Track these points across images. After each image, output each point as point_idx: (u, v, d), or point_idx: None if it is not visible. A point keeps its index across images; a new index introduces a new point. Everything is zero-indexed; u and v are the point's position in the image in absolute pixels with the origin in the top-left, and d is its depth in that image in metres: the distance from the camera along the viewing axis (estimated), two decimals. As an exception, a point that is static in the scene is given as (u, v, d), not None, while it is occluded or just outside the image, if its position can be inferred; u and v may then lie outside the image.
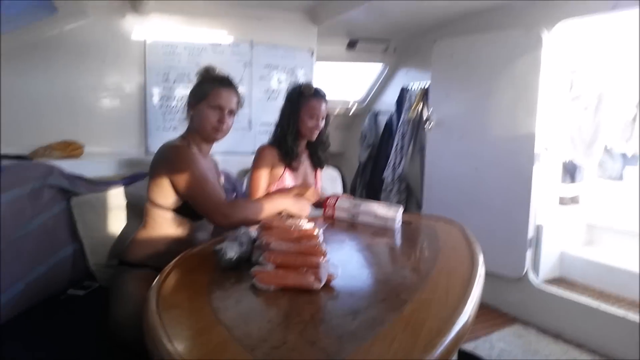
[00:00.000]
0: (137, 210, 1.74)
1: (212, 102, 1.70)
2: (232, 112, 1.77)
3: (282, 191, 1.88)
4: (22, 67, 2.26)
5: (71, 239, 1.85)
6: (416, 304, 1.11)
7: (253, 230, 1.49)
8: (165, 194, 1.63)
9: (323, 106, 2.15)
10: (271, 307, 1.11)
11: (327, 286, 1.20)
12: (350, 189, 4.46)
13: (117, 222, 1.98)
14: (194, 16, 2.73)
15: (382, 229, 1.87)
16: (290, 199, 1.76)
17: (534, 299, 2.95)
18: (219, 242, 1.48)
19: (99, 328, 1.53)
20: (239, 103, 1.81)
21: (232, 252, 1.33)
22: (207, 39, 2.80)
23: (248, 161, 2.36)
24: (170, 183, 1.61)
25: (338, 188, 2.83)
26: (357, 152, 4.37)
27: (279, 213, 1.72)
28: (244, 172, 2.78)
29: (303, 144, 2.22)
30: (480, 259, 1.49)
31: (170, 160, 1.64)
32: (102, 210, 1.94)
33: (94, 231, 1.90)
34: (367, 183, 4.23)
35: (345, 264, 1.37)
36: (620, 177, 3.44)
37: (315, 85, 2.28)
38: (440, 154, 3.46)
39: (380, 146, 4.15)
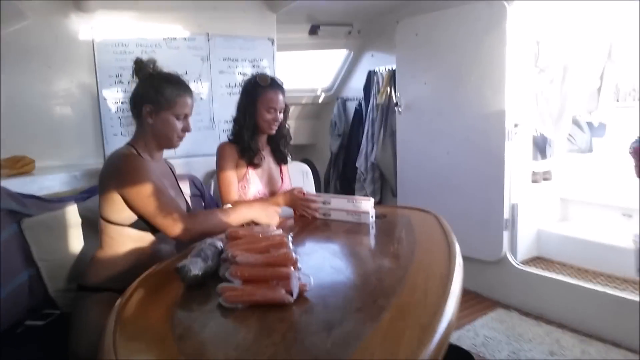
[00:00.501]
0: (97, 227, 1.62)
1: (178, 111, 1.61)
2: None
3: (248, 202, 1.75)
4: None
5: (25, 265, 1.71)
6: (394, 310, 1.05)
7: (219, 241, 1.41)
8: (117, 209, 1.52)
9: (280, 97, 2.04)
10: (239, 329, 1.03)
11: (300, 298, 1.13)
12: (324, 181, 4.38)
13: (75, 241, 1.85)
14: (145, 10, 2.58)
15: (356, 225, 1.80)
16: (257, 207, 1.66)
17: (513, 280, 2.95)
18: (184, 256, 1.39)
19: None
20: None
21: (196, 268, 1.24)
22: (160, 34, 2.65)
23: (213, 162, 2.26)
24: (121, 197, 1.50)
25: (310, 183, 2.75)
26: (329, 142, 4.28)
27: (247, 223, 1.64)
28: (210, 175, 2.67)
29: (263, 139, 2.12)
30: (457, 250, 1.44)
31: (117, 171, 1.53)
32: (57, 231, 1.81)
33: (50, 254, 1.77)
34: (340, 174, 4.17)
35: (318, 270, 1.31)
36: (590, 149, 3.45)
37: (277, 75, 2.19)
38: (411, 138, 3.40)
39: (351, 134, 4.08)
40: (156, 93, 1.58)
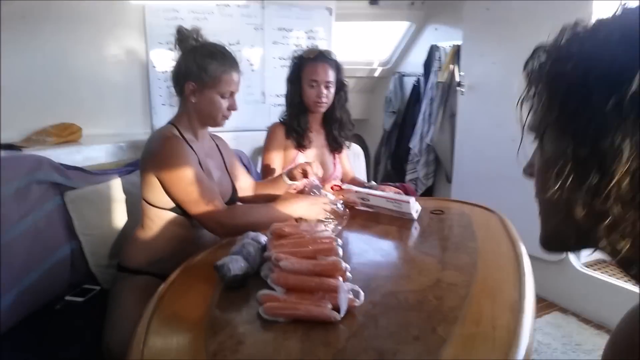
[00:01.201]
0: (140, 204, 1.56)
1: (223, 89, 1.49)
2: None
3: (294, 196, 1.61)
4: (7, 42, 2.03)
5: (68, 238, 1.68)
6: (457, 344, 0.91)
7: (263, 236, 1.30)
8: (156, 192, 1.44)
9: (327, 71, 1.86)
10: (278, 351, 0.92)
11: (348, 315, 1.00)
12: (374, 160, 4.20)
13: (118, 217, 1.81)
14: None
15: (406, 223, 1.65)
16: (303, 203, 1.51)
17: (574, 283, 2.72)
18: (226, 247, 1.30)
19: (100, 342, 1.39)
20: None
21: (236, 268, 1.14)
22: (213, 0, 2.52)
23: (262, 137, 2.15)
24: (159, 181, 1.42)
25: (361, 166, 2.59)
26: (382, 119, 4.07)
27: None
28: (258, 151, 2.56)
29: (315, 119, 1.96)
30: (528, 266, 1.27)
31: (156, 154, 1.44)
32: (100, 205, 1.76)
33: (93, 228, 1.73)
34: (392, 153, 3.96)
35: (368, 281, 1.17)
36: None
37: (332, 47, 2.01)
38: (473, 121, 3.15)
39: (407, 112, 3.85)
40: (199, 69, 1.46)
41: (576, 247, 0.58)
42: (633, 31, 0.44)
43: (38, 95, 2.12)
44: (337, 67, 1.91)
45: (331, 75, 1.86)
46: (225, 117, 1.55)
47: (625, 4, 0.48)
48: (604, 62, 0.44)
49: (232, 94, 1.52)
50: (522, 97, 0.53)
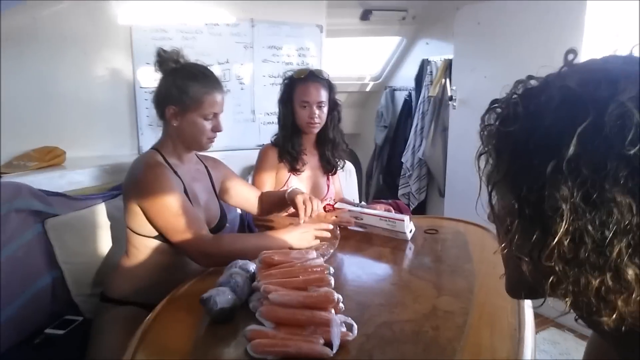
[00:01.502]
0: (125, 229, 1.51)
1: (206, 111, 1.43)
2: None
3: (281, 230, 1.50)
4: (-10, 65, 1.99)
5: (49, 267, 1.62)
6: (456, 381, 0.86)
7: (252, 264, 1.25)
8: (140, 220, 1.39)
9: (321, 92, 1.81)
10: (267, 394, 0.86)
11: (341, 350, 0.95)
12: (366, 174, 4.17)
13: (102, 244, 1.75)
14: (186, -7, 2.42)
15: (400, 244, 1.62)
16: (294, 231, 1.45)
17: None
18: (214, 276, 1.25)
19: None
20: None
21: (223, 301, 1.09)
22: (202, 20, 2.49)
23: (253, 157, 2.10)
24: (142, 210, 1.37)
25: (353, 183, 2.54)
26: (373, 133, 4.05)
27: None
28: (248, 170, 2.52)
29: (307, 141, 1.92)
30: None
31: (138, 182, 1.39)
32: (83, 232, 1.70)
33: (75, 256, 1.66)
34: (384, 167, 3.93)
35: (362, 311, 1.13)
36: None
37: (323, 64, 1.97)
38: (465, 135, 3.12)
39: (398, 127, 3.83)
40: (180, 92, 1.40)
41: (532, 297, 0.58)
42: (574, 94, 0.45)
43: (21, 119, 2.06)
44: (330, 87, 1.87)
45: (323, 95, 1.82)
46: (210, 140, 1.49)
47: (573, 58, 0.48)
48: (544, 125, 0.45)
49: (215, 115, 1.46)
50: (479, 151, 0.54)
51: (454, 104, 3.16)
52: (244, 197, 1.74)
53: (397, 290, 1.31)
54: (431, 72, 3.51)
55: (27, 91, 2.08)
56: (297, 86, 1.82)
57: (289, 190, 1.61)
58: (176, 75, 1.42)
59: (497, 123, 0.51)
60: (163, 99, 1.44)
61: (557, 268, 0.45)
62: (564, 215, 0.43)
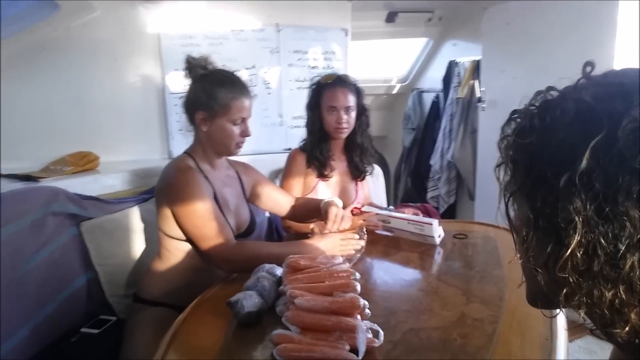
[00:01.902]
0: (157, 231, 1.54)
1: (234, 116, 1.45)
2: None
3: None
4: (27, 73, 2.07)
5: (84, 269, 1.67)
6: (485, 390, 0.84)
7: (278, 268, 1.26)
8: (171, 223, 1.42)
9: (349, 97, 1.80)
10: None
11: (366, 356, 0.95)
12: (394, 177, 4.14)
13: (134, 246, 1.79)
14: (212, 0, 2.46)
15: (428, 249, 1.60)
16: (321, 241, 1.45)
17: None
18: (240, 280, 1.26)
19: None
20: None
21: (250, 305, 1.10)
22: (229, 26, 2.52)
23: (280, 160, 2.12)
24: (172, 213, 1.40)
25: (380, 187, 2.53)
26: (401, 136, 4.02)
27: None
28: (275, 173, 2.54)
29: (336, 147, 1.91)
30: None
31: (169, 187, 1.42)
32: (117, 234, 1.75)
33: (109, 258, 1.72)
34: (412, 170, 3.90)
35: (388, 317, 1.12)
36: None
37: (349, 68, 1.96)
38: (494, 137, 3.01)
39: (426, 129, 3.79)
40: (208, 98, 1.43)
41: (548, 307, 0.58)
42: (588, 107, 0.45)
43: (56, 125, 2.14)
44: (357, 91, 1.86)
45: (351, 100, 1.81)
46: (239, 145, 1.51)
47: (591, 70, 0.50)
48: (558, 138, 0.46)
49: (243, 120, 1.48)
50: (499, 162, 0.55)
51: (483, 105, 3.11)
52: (275, 201, 1.73)
53: (424, 297, 1.29)
54: (459, 73, 3.46)
55: (62, 98, 2.16)
56: (324, 91, 1.82)
57: (325, 200, 1.58)
58: (204, 81, 1.45)
59: (514, 134, 0.52)
60: (192, 105, 1.47)
61: (570, 279, 0.46)
62: (577, 228, 0.43)
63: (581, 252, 0.44)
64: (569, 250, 0.44)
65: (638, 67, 0.48)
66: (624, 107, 0.42)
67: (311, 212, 1.67)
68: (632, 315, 0.44)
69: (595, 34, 2.42)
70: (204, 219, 1.36)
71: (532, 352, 0.98)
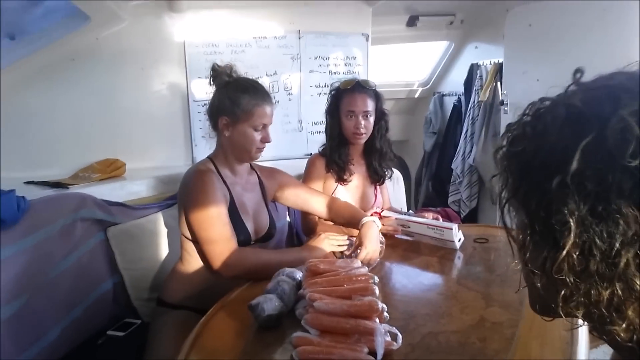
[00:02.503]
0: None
1: (256, 122, 1.50)
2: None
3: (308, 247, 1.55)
4: (58, 83, 2.15)
5: (110, 273, 1.73)
6: (504, 394, 0.84)
7: (298, 272, 1.28)
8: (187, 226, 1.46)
9: (367, 102, 1.82)
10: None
11: (385, 359, 0.96)
12: (415, 181, 4.12)
13: (159, 250, 1.84)
14: (235, 8, 2.50)
15: (448, 253, 1.59)
16: (310, 249, 1.50)
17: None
18: (261, 284, 1.28)
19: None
20: None
21: (270, 308, 1.12)
22: (251, 33, 2.57)
23: (300, 166, 2.14)
24: (184, 213, 1.45)
25: (400, 190, 2.53)
26: (422, 140, 4.00)
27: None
28: (296, 179, 2.56)
29: (355, 151, 1.93)
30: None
31: (186, 188, 1.47)
32: (142, 239, 1.80)
33: (134, 263, 1.77)
34: (433, 174, 3.87)
35: (407, 320, 1.12)
36: None
37: (370, 73, 1.96)
38: (517, 140, 3.03)
39: (448, 133, 3.76)
40: (232, 104, 1.48)
41: (547, 314, 0.58)
42: (578, 111, 0.46)
43: (85, 133, 2.22)
44: (376, 96, 1.87)
45: (369, 105, 1.82)
46: (260, 150, 1.55)
47: (580, 76, 0.51)
48: (549, 142, 0.48)
49: (264, 126, 1.53)
50: (495, 173, 0.57)
51: (506, 108, 3.07)
52: (305, 200, 1.76)
53: (443, 301, 1.29)
54: (481, 76, 3.43)
55: (90, 107, 2.23)
56: (343, 97, 1.84)
57: (365, 220, 1.57)
58: (228, 88, 1.50)
59: (508, 144, 0.54)
60: (216, 111, 1.52)
61: (568, 280, 0.47)
62: (572, 229, 0.44)
63: (577, 253, 0.45)
64: (565, 251, 0.45)
65: (628, 70, 0.49)
66: (611, 108, 0.44)
67: (350, 223, 1.68)
68: (630, 312, 0.45)
69: (618, 33, 2.38)
70: (211, 222, 1.39)
71: (552, 355, 0.97)
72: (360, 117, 1.81)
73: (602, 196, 0.43)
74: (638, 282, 0.43)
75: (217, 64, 1.54)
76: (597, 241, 0.43)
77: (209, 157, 1.57)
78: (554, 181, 0.45)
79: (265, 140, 1.54)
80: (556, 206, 0.45)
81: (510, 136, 0.54)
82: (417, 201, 4.05)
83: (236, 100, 1.48)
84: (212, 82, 1.55)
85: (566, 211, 0.44)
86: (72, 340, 1.52)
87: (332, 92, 1.90)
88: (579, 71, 0.52)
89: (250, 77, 1.59)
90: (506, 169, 0.53)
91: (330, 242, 1.53)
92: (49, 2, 2.03)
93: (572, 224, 0.44)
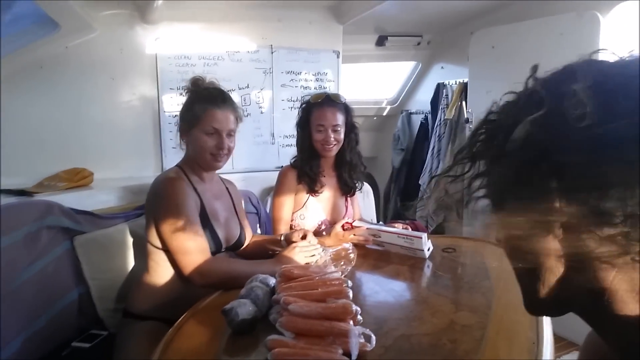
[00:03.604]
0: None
1: (206, 126, 1.49)
2: (231, 133, 1.54)
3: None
4: (25, 90, 2.11)
5: (76, 283, 1.68)
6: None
7: (272, 278, 1.28)
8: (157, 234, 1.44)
9: (337, 115, 1.86)
10: (288, 401, 0.89)
11: (359, 361, 0.97)
12: (384, 197, 4.19)
13: (126, 261, 1.80)
14: (208, 22, 2.53)
15: (418, 262, 1.63)
16: (286, 262, 1.47)
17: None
18: (233, 291, 1.28)
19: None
20: (238, 119, 1.58)
21: (244, 312, 1.12)
22: (224, 47, 2.59)
23: (272, 178, 2.15)
24: (153, 220, 1.43)
25: (370, 204, 2.58)
26: (391, 156, 4.09)
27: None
28: (267, 191, 2.57)
29: (326, 164, 1.96)
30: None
31: (155, 195, 1.46)
32: (109, 249, 1.76)
33: (101, 273, 1.72)
34: (401, 190, 3.95)
35: (380, 324, 1.14)
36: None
37: (340, 89, 2.01)
38: (482, 157, 3.13)
39: (415, 149, 3.86)
40: (186, 110, 1.52)
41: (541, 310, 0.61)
42: (536, 93, 0.50)
43: (52, 141, 2.18)
44: (346, 110, 1.92)
45: (339, 119, 1.86)
46: (215, 157, 1.52)
47: (535, 70, 0.54)
48: (507, 124, 0.51)
49: (216, 130, 1.50)
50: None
51: (471, 125, 3.19)
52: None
53: (415, 306, 1.32)
54: (447, 95, 3.55)
55: (58, 115, 2.20)
56: (313, 110, 1.88)
57: (284, 235, 1.65)
58: (189, 96, 1.54)
59: (475, 133, 0.57)
60: (179, 121, 1.55)
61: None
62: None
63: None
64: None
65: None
66: (567, 84, 0.47)
67: (262, 248, 1.71)
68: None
69: (578, 48, 2.50)
70: (184, 229, 1.37)
71: (519, 354, 1.00)
72: (330, 131, 1.84)
73: (551, 157, 0.46)
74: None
75: (197, 77, 1.56)
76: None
77: (178, 165, 1.57)
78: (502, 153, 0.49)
79: (220, 146, 1.50)
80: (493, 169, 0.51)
81: (479, 126, 0.57)
82: (386, 217, 4.10)
83: (190, 106, 1.51)
84: (184, 94, 1.57)
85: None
86: (36, 352, 1.46)
87: (303, 106, 1.93)
88: (535, 67, 0.55)
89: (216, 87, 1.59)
90: (475, 156, 0.56)
91: (302, 253, 1.51)
92: (17, 8, 2.00)
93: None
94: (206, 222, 1.48)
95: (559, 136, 0.45)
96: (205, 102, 1.50)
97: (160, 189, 1.45)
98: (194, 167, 1.55)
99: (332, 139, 1.85)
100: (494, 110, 0.56)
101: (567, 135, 0.44)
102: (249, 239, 1.75)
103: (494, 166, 0.53)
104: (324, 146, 1.86)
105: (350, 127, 1.94)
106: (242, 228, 1.67)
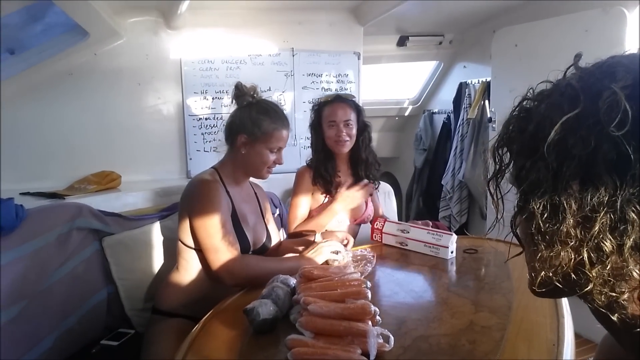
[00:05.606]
0: (175, 248, 1.61)
1: (272, 144, 1.57)
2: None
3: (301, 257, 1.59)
4: (54, 97, 2.20)
5: (105, 283, 1.74)
6: (492, 391, 0.87)
7: (292, 279, 1.30)
8: (190, 232, 1.49)
9: (348, 111, 1.88)
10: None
11: (377, 361, 0.99)
12: (406, 197, 4.18)
13: (153, 261, 1.85)
14: (230, 27, 2.58)
15: (439, 263, 1.63)
16: (305, 257, 1.54)
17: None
18: (256, 291, 1.31)
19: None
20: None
21: (265, 312, 1.15)
22: (246, 51, 2.64)
23: (292, 179, 2.18)
24: (188, 220, 1.48)
25: (392, 204, 2.57)
26: (413, 156, 4.07)
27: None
28: (289, 192, 2.60)
29: (341, 163, 1.97)
30: (566, 307, 1.22)
31: (191, 196, 1.51)
32: (137, 249, 1.81)
33: (129, 273, 1.78)
34: (424, 190, 3.93)
35: (399, 325, 1.15)
36: None
37: (363, 89, 2.02)
38: (506, 156, 3.10)
39: (437, 149, 3.84)
40: (253, 125, 1.55)
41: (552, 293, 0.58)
42: (572, 88, 0.48)
43: (81, 146, 2.26)
44: (357, 108, 1.94)
45: (350, 115, 1.88)
46: (269, 171, 1.62)
47: (578, 59, 0.53)
48: (536, 121, 0.50)
49: (279, 149, 1.60)
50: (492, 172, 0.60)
51: (494, 125, 3.15)
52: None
53: (434, 306, 1.33)
54: (469, 94, 3.52)
55: (87, 120, 2.28)
56: (324, 109, 1.90)
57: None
58: (251, 109, 1.57)
59: (508, 127, 0.57)
60: (237, 128, 1.58)
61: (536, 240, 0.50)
62: (543, 193, 0.48)
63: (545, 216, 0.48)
64: (539, 213, 0.48)
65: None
66: (605, 83, 0.45)
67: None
68: (593, 273, 0.46)
69: (604, 45, 2.47)
70: (217, 230, 1.42)
71: (538, 356, 1.00)
72: (342, 126, 1.86)
73: (585, 162, 0.44)
74: (607, 245, 0.44)
75: (241, 84, 1.61)
76: (573, 204, 0.45)
77: (214, 168, 1.61)
78: (538, 152, 0.48)
79: (278, 162, 1.62)
80: (528, 173, 0.49)
81: (512, 117, 0.56)
82: (408, 217, 4.09)
83: (257, 121, 1.55)
84: (234, 101, 1.63)
85: (542, 178, 0.48)
86: (66, 349, 1.52)
87: (315, 107, 1.96)
88: (578, 55, 0.53)
89: (271, 100, 1.66)
90: (501, 149, 0.56)
91: (328, 248, 1.56)
92: (48, 18, 2.08)
93: (543, 189, 0.47)
94: (236, 224, 1.53)
95: (589, 140, 0.44)
96: (274, 121, 1.57)
97: (195, 190, 1.50)
98: (234, 172, 1.61)
99: (345, 134, 1.87)
100: (529, 97, 0.55)
101: (599, 140, 0.43)
102: (274, 242, 1.78)
103: (524, 160, 0.52)
104: (336, 142, 1.88)
105: (363, 126, 1.96)
106: (268, 232, 1.71)
